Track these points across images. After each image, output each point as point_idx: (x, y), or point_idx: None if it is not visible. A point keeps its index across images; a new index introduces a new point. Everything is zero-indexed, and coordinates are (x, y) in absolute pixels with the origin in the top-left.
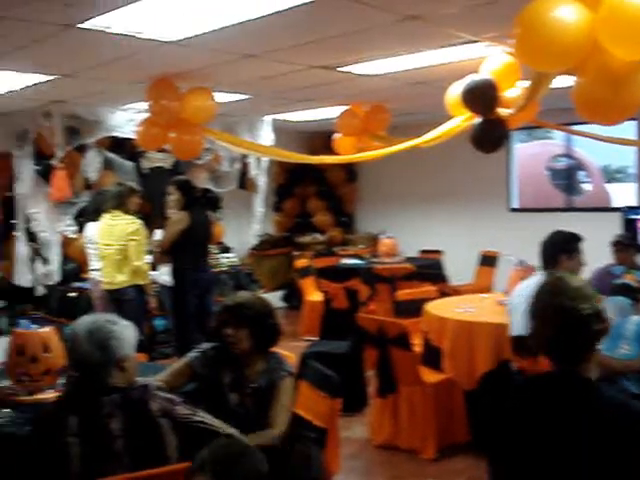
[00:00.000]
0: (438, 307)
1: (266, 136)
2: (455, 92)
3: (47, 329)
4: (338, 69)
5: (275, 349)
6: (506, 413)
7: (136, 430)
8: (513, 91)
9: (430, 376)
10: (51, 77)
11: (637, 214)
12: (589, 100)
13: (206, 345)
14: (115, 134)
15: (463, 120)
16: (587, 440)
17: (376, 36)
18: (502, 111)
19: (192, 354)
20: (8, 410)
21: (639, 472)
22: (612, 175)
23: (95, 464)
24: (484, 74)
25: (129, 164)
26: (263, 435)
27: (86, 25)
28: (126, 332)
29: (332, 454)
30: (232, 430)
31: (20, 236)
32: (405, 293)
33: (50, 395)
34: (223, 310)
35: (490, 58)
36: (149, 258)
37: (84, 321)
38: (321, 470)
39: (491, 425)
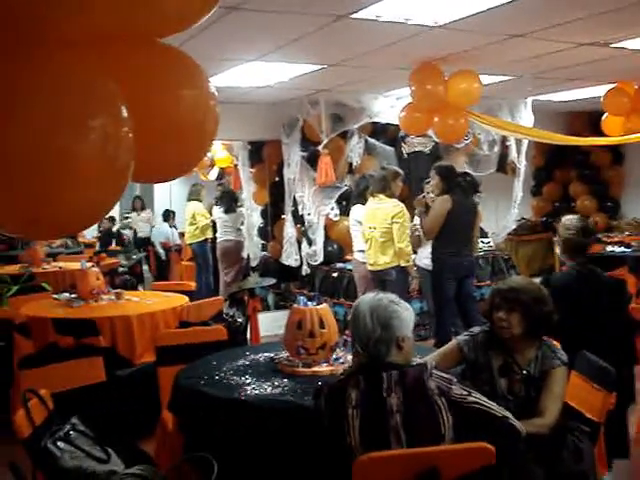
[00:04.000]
0: None
1: (527, 118)
2: None
3: (323, 306)
4: (611, 45)
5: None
6: None
7: (413, 407)
8: None
9: None
10: (319, 67)
11: None
12: None
13: (476, 329)
14: (376, 120)
15: None
16: None
17: None
18: None
19: (461, 337)
20: (286, 380)
21: None
22: None
23: (373, 437)
24: None
25: (389, 149)
26: (534, 423)
27: (358, 15)
28: (406, 313)
29: (603, 451)
30: (507, 413)
31: (288, 218)
32: None
33: (324, 369)
34: (495, 294)
35: None
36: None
37: (368, 298)
38: (592, 465)
39: None
